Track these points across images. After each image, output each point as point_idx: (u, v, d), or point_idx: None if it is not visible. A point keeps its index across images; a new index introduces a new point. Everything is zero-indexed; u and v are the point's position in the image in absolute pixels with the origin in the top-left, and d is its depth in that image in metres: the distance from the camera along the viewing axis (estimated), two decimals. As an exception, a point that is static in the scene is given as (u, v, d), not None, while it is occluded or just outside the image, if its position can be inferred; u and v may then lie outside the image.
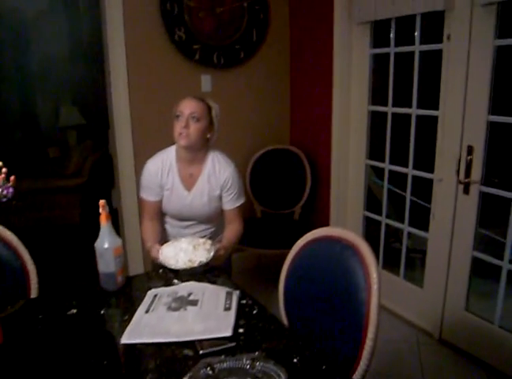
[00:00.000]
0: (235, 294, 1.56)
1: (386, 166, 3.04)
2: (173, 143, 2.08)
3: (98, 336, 1.42)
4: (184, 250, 1.79)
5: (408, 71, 2.74)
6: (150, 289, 1.65)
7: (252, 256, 3.61)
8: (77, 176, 5.32)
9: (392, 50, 2.85)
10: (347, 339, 1.45)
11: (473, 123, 2.41)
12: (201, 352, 1.25)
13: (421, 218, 2.92)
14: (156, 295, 1.59)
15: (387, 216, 3.12)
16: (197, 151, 2.05)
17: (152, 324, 1.40)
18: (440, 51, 2.54)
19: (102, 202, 1.62)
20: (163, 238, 2.13)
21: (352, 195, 3.31)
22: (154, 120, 3.19)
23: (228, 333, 1.32)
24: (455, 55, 2.43)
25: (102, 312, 1.54)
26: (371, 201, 3.31)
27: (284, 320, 1.68)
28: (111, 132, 3.33)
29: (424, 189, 2.83)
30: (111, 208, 1.67)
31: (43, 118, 5.97)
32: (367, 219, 3.29)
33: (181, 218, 2.14)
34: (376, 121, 3.14)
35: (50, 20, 5.57)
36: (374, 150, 3.19)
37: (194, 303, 1.50)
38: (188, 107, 1.97)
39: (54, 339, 1.39)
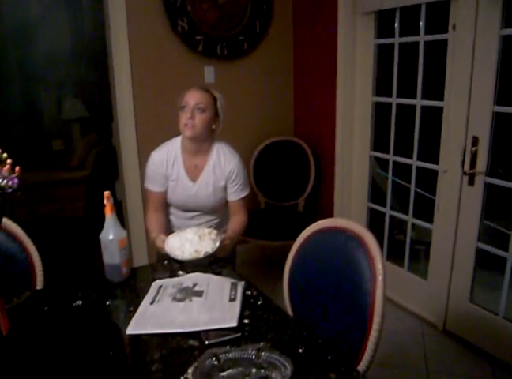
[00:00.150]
0: (240, 285, 1.56)
1: (391, 157, 3.03)
2: (178, 134, 2.07)
3: (103, 327, 1.43)
4: (190, 241, 1.80)
5: (412, 61, 2.72)
6: (155, 280, 1.65)
7: (256, 247, 3.61)
8: (80, 169, 5.33)
9: (396, 40, 2.83)
10: (352, 329, 1.45)
11: (478, 114, 2.39)
12: (206, 343, 1.25)
13: (425, 209, 2.91)
14: (160, 286, 1.59)
15: (391, 208, 3.12)
16: (202, 142, 2.04)
17: (158, 314, 1.41)
18: (445, 41, 2.52)
19: (106, 193, 1.62)
20: (168, 229, 2.14)
21: (356, 186, 3.31)
22: (157, 112, 3.19)
23: (233, 324, 1.33)
24: (460, 45, 2.41)
25: (107, 303, 1.54)
26: (375, 193, 3.30)
27: (289, 311, 1.69)
28: (115, 124, 3.33)
29: (429, 180, 2.82)
30: (115, 201, 1.67)
31: (46, 111, 5.97)
32: (371, 211, 3.29)
33: (186, 209, 2.14)
34: (380, 113, 3.12)
35: (53, 13, 5.55)
36: (379, 141, 3.17)
37: (199, 294, 1.51)
38: (193, 98, 1.97)
39: (60, 330, 1.39)
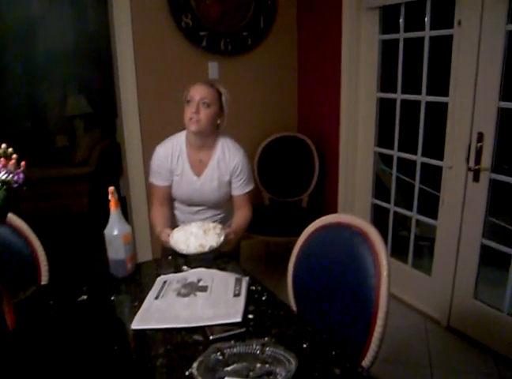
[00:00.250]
0: (245, 281, 1.56)
1: (395, 153, 3.02)
2: (183, 128, 2.07)
3: (108, 322, 1.43)
4: (195, 235, 1.80)
5: (417, 57, 2.71)
6: (159, 275, 1.66)
7: (260, 243, 3.62)
8: (84, 165, 5.34)
9: (401, 36, 2.82)
10: (356, 325, 1.45)
11: (484, 109, 2.38)
12: (210, 337, 1.25)
13: (429, 205, 2.91)
14: (165, 282, 1.60)
15: (395, 204, 3.11)
16: (207, 137, 2.04)
17: (162, 309, 1.41)
18: (450, 37, 2.50)
19: (111, 189, 1.62)
20: (173, 224, 2.14)
21: (361, 182, 3.30)
22: (161, 108, 3.19)
23: (238, 319, 1.33)
24: (466, 41, 2.40)
25: (112, 298, 1.55)
26: (379, 189, 3.30)
27: (293, 307, 1.69)
28: (119, 120, 3.33)
29: (433, 176, 2.81)
30: (119, 197, 1.67)
31: (50, 107, 5.98)
32: (375, 207, 3.28)
33: (190, 203, 2.15)
34: (385, 108, 3.11)
35: (57, 10, 5.56)
36: (383, 137, 3.17)
37: (204, 289, 1.51)
38: (199, 93, 1.97)
39: (65, 325, 1.40)
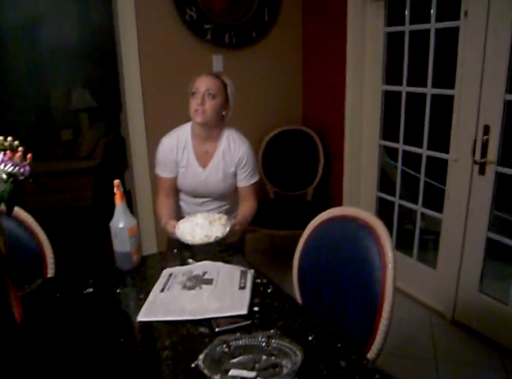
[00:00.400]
0: (250, 273, 1.56)
1: (400, 146, 3.01)
2: (188, 120, 2.07)
3: (114, 315, 1.44)
4: (200, 226, 1.80)
5: (423, 49, 2.69)
6: (165, 268, 1.66)
7: (265, 237, 3.62)
8: (89, 158, 5.36)
9: (407, 28, 2.80)
10: (361, 317, 1.45)
11: (490, 102, 2.37)
12: (216, 330, 1.26)
13: (434, 199, 2.90)
14: (171, 274, 1.60)
15: (400, 197, 3.10)
16: (212, 129, 2.04)
17: (168, 302, 1.42)
18: (457, 29, 2.48)
19: (116, 182, 1.63)
20: (178, 215, 2.15)
21: (366, 176, 3.29)
22: (166, 101, 3.18)
23: (243, 311, 1.33)
24: (472, 32, 2.38)
25: (118, 291, 1.55)
26: (384, 182, 3.29)
27: (299, 299, 1.69)
28: (123, 114, 3.33)
29: (438, 169, 2.80)
30: (124, 190, 1.67)
31: (55, 101, 5.99)
32: (380, 200, 3.27)
33: (196, 195, 2.15)
34: (390, 101, 3.10)
35: (61, 4, 5.55)
36: (388, 130, 3.15)
37: (209, 282, 1.51)
38: (204, 84, 1.97)
39: (72, 318, 1.41)
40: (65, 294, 1.53)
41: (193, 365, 1.12)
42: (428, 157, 2.83)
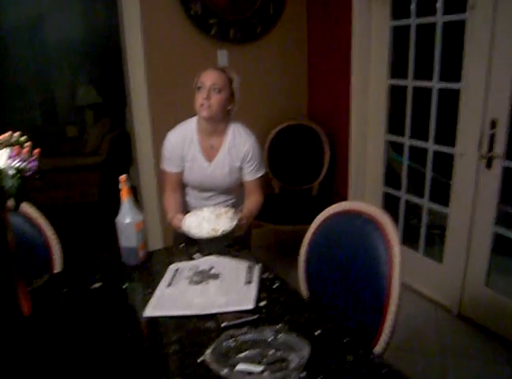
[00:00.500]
0: (256, 268, 1.56)
1: (406, 141, 3.00)
2: (194, 115, 2.07)
3: (121, 310, 1.44)
4: (207, 219, 1.81)
5: (429, 43, 2.67)
6: (171, 263, 1.66)
7: (270, 232, 3.62)
8: (95, 154, 5.36)
9: (413, 21, 2.78)
10: (368, 312, 1.45)
11: (497, 96, 2.35)
12: (223, 325, 1.26)
13: (441, 193, 2.88)
14: (177, 269, 1.60)
15: (406, 192, 3.09)
16: (218, 123, 2.04)
17: (175, 297, 1.42)
18: (463, 22, 2.46)
19: (123, 177, 1.63)
20: (185, 210, 2.15)
21: (371, 170, 3.28)
22: (171, 97, 3.18)
23: (250, 306, 1.33)
24: (479, 26, 2.36)
25: (124, 286, 1.56)
26: (390, 177, 3.28)
27: (305, 294, 1.69)
28: (128, 110, 3.33)
29: (444, 163, 2.79)
30: (130, 186, 1.67)
31: (60, 97, 6.01)
32: (386, 195, 3.26)
33: (202, 189, 2.16)
34: (396, 95, 3.08)
35: (66, 2, 5.55)
36: (394, 124, 3.14)
37: (216, 277, 1.51)
38: (210, 78, 1.96)
39: (79, 313, 1.41)
40: (72, 289, 1.54)
41: (199, 360, 1.13)
42: (434, 151, 2.81)
